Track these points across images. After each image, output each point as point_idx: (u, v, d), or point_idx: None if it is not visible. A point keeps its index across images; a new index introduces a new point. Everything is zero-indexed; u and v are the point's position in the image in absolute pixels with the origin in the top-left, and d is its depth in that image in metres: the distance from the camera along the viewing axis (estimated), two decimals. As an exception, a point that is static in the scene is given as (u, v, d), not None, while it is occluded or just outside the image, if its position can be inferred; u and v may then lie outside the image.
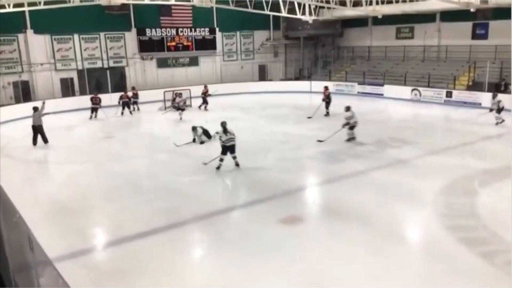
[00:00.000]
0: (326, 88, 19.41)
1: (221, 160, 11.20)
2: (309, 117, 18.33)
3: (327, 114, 18.83)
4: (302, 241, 7.38)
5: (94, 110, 19.94)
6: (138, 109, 21.58)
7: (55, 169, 12.43)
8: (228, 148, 11.12)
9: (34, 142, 14.71)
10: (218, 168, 11.20)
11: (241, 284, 6.13)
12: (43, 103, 15.33)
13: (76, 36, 23.98)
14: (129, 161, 12.85)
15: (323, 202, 9.53)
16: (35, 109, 14.84)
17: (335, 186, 10.20)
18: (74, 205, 9.28)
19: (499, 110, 16.05)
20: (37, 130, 14.67)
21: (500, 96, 16.53)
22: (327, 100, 18.96)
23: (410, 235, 7.91)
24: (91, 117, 19.88)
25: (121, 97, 20.76)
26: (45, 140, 14.81)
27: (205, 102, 21.76)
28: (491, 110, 16.41)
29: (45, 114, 14.93)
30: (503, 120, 15.97)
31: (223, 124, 11.09)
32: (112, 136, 16.26)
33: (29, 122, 14.76)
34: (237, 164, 11.33)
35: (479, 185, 9.89)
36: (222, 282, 6.20)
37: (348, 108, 13.97)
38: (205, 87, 22.28)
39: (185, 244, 7.53)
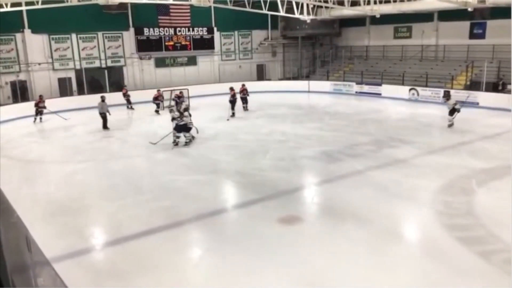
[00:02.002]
0: (231, 89, 19.43)
1: (177, 137, 13.97)
2: (228, 119, 18.41)
3: (233, 115, 18.89)
4: (301, 240, 7.38)
5: (39, 113, 19.37)
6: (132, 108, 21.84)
7: (53, 169, 12.41)
8: (180, 128, 13.87)
9: (104, 127, 16.99)
10: (173, 142, 13.94)
11: (240, 283, 6.13)
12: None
13: (74, 36, 23.93)
14: (128, 160, 12.85)
15: (321, 201, 9.53)
16: (103, 98, 17.08)
17: (333, 185, 10.21)
18: (72, 204, 9.27)
19: (453, 111, 15.60)
20: (102, 117, 16.92)
21: (454, 99, 15.91)
22: (232, 100, 19.08)
23: (408, 234, 7.92)
24: (35, 120, 19.26)
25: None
26: (105, 127, 16.95)
27: (245, 101, 20.68)
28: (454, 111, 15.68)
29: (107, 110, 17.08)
30: (452, 124, 15.60)
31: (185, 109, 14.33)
32: (111, 136, 16.24)
33: (27, 121, 14.78)
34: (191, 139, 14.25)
35: (477, 184, 9.91)
36: (221, 282, 6.20)
37: (186, 109, 14.58)
38: (243, 85, 21.17)
39: (184, 244, 7.53)
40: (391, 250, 6.97)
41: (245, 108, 20.68)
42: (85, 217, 8.70)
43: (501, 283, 5.96)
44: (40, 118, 19.45)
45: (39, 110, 19.38)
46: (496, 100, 19.55)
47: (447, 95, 16.14)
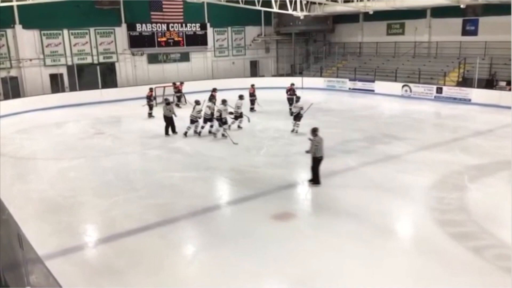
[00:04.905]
0: (292, 84, 19.63)
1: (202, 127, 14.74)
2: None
3: (291, 114, 17.95)
4: (294, 236, 7.41)
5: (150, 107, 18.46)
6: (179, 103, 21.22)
7: (45, 166, 12.31)
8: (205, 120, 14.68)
9: (166, 132, 15.32)
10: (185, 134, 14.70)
11: (234, 279, 6.13)
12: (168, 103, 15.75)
13: (65, 31, 23.68)
14: (121, 157, 12.79)
15: (315, 197, 9.55)
16: (167, 102, 15.68)
17: (326, 181, 10.20)
18: (64, 201, 9.21)
19: (298, 116, 14.67)
20: (168, 120, 15.35)
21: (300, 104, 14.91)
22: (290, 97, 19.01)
23: (401, 230, 7.97)
24: (150, 115, 18.33)
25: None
26: (174, 130, 15.39)
27: (291, 102, 18.11)
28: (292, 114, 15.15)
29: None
30: (297, 131, 14.59)
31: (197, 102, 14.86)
32: (103, 132, 16.14)
33: (19, 118, 14.67)
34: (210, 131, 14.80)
35: (469, 180, 9.98)
36: (214, 278, 6.20)
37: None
38: (292, 84, 19.42)
39: (177, 241, 7.52)
40: (384, 245, 7.01)
41: (291, 112, 17.05)
42: (78, 214, 8.65)
43: (492, 278, 6.02)
44: (150, 114, 18.48)
45: (151, 103, 18.66)
46: (488, 96, 19.71)
47: (297, 99, 15.40)
